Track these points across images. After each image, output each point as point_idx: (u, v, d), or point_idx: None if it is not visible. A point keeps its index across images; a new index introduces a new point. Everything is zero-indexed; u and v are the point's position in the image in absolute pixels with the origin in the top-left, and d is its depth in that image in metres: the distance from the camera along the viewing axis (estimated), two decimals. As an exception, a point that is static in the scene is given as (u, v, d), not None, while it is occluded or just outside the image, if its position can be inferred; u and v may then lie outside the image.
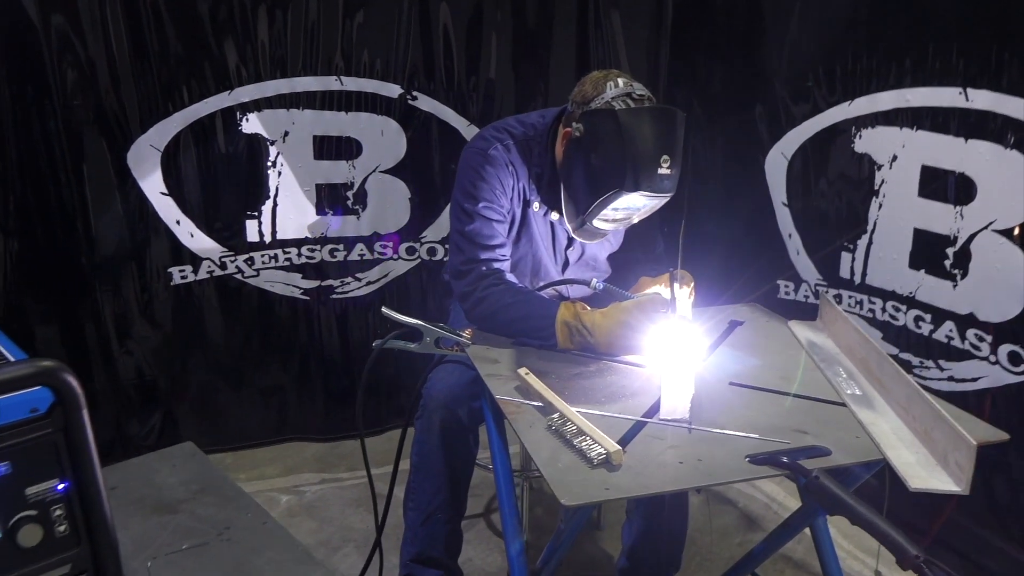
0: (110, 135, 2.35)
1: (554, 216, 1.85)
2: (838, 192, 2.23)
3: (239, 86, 2.44)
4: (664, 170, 1.61)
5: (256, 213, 2.57)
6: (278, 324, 2.70)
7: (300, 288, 2.70)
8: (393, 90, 2.59)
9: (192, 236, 2.52)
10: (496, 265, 1.74)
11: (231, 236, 2.57)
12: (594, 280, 1.67)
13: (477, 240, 1.74)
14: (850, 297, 2.23)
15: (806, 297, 2.38)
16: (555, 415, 1.28)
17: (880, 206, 2.10)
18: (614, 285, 1.85)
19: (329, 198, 2.63)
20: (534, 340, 1.63)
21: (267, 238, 2.61)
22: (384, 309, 1.61)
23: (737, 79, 2.53)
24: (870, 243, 2.14)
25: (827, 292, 2.19)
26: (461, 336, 1.62)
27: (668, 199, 1.70)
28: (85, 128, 2.32)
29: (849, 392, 1.39)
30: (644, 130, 1.60)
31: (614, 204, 1.65)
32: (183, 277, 2.55)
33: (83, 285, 2.44)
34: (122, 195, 2.41)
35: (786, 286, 2.44)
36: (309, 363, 2.76)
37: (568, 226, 1.78)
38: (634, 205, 1.68)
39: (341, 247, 2.69)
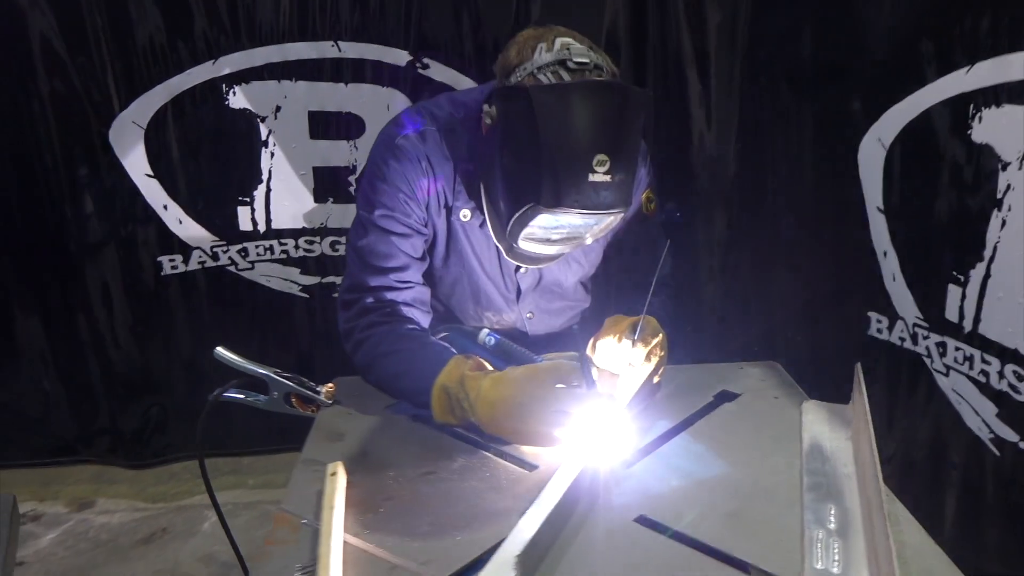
0: (91, 110, 2.14)
1: (495, 228, 1.37)
2: (948, 198, 1.56)
3: (223, 55, 2.14)
4: (600, 176, 1.09)
5: (248, 199, 2.28)
6: (276, 323, 2.42)
7: (299, 284, 2.39)
8: (400, 56, 2.18)
9: (181, 223, 2.28)
10: (388, 296, 1.30)
11: (222, 224, 2.30)
12: (483, 331, 1.17)
13: (368, 260, 1.31)
14: (957, 350, 1.56)
15: (902, 340, 1.73)
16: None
17: (1004, 223, 1.42)
18: (594, 321, 1.36)
19: (328, 183, 2.29)
20: (413, 407, 1.19)
21: (261, 227, 2.31)
22: (218, 349, 1.23)
23: (829, 40, 1.87)
24: (987, 275, 1.47)
25: (898, 335, 1.50)
26: (316, 393, 1.21)
27: (621, 214, 1.18)
28: (64, 101, 2.12)
29: (820, 567, 0.83)
30: (569, 117, 1.09)
31: (537, 223, 1.16)
32: (173, 267, 2.32)
33: (72, 271, 2.28)
34: (106, 176, 2.20)
35: (879, 320, 1.79)
36: (312, 367, 2.45)
37: (499, 246, 1.31)
38: (569, 224, 1.18)
39: (344, 240, 2.35)
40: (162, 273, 2.31)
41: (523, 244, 1.21)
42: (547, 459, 1.06)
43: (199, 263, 2.32)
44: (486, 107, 1.19)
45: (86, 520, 2.45)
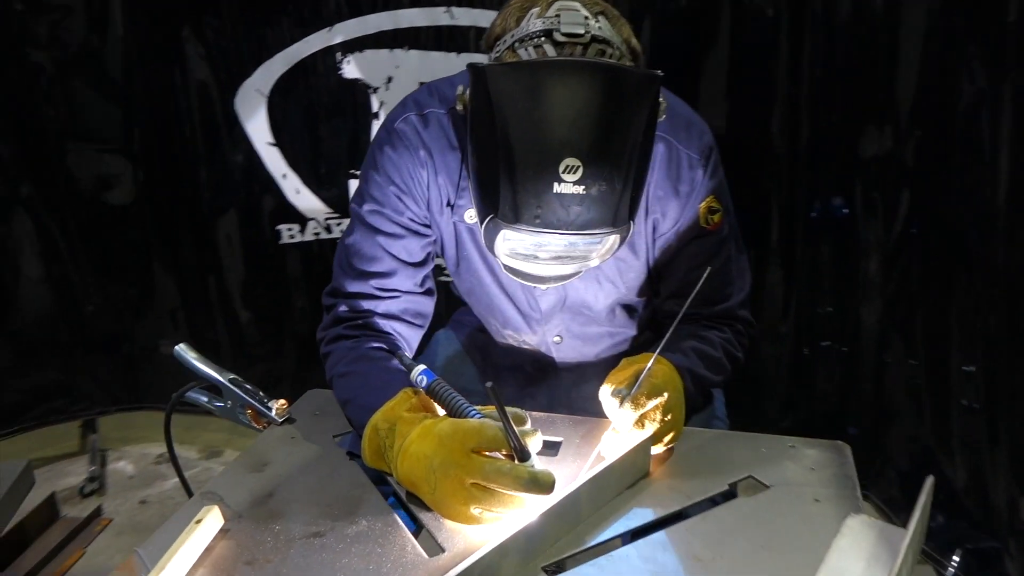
0: (219, 77, 2.18)
1: (510, 232, 1.14)
2: None
3: (339, 21, 2.07)
4: (568, 186, 0.84)
5: (359, 172, 2.21)
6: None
7: (407, 264, 2.29)
8: (515, 24, 1.97)
9: (298, 193, 2.27)
10: (365, 305, 1.12)
11: (336, 196, 2.26)
12: (417, 368, 0.95)
13: (351, 261, 1.14)
14: None
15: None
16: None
17: None
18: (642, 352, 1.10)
19: (438, 160, 2.14)
20: (357, 443, 1.02)
21: (371, 202, 2.24)
22: (177, 348, 1.14)
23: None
24: None
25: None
26: (268, 409, 1.08)
27: (614, 235, 0.90)
28: (197, 68, 2.17)
29: None
30: (530, 108, 0.84)
31: (505, 238, 0.92)
32: (291, 236, 2.32)
33: (204, 234, 2.36)
34: (234, 143, 2.24)
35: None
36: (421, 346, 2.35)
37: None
38: (550, 241, 0.92)
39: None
40: (280, 241, 2.32)
41: (506, 260, 0.98)
42: (462, 542, 0.84)
43: (314, 234, 2.30)
44: (459, 89, 0.96)
45: (210, 469, 2.58)
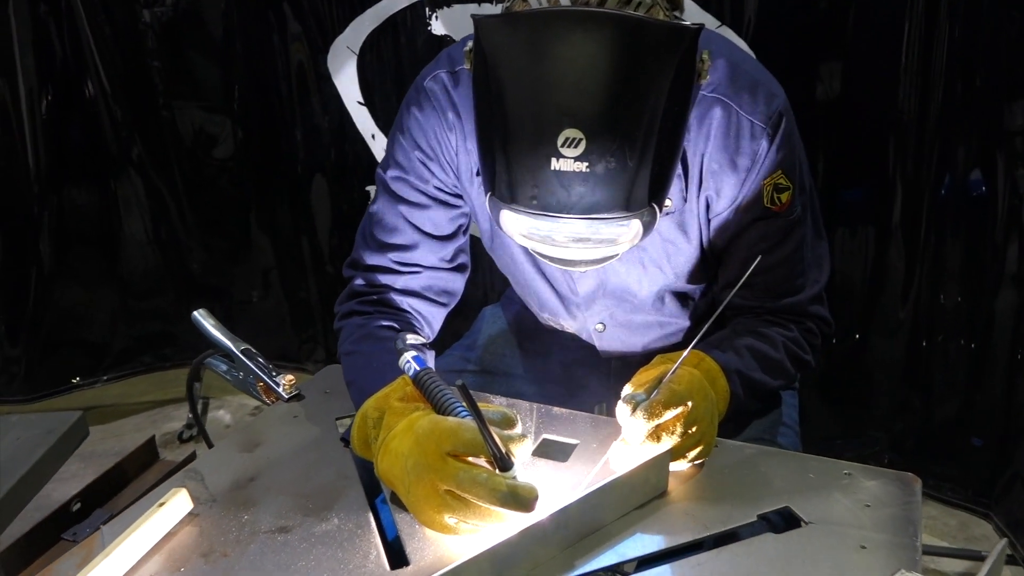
0: (313, 36, 2.16)
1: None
2: None
3: (426, -27, 1.99)
4: (568, 163, 0.72)
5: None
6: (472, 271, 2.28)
7: (494, 231, 2.20)
8: (611, -26, 1.81)
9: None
10: (382, 280, 1.04)
11: (423, 160, 2.20)
12: (407, 355, 0.85)
13: (372, 230, 1.07)
14: None
15: None
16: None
17: None
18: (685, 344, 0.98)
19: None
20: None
21: (458, 166, 2.16)
22: (197, 313, 1.11)
23: None
24: None
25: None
26: (276, 384, 1.03)
27: (631, 220, 0.77)
28: (293, 26, 2.16)
29: None
30: (524, 67, 0.72)
31: (509, 218, 0.81)
32: (379, 198, 2.29)
33: (297, 194, 2.38)
34: (325, 102, 2.22)
35: None
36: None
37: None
38: (562, 225, 0.79)
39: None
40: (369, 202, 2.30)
41: (521, 242, 0.86)
42: (432, 554, 0.75)
43: (401, 198, 2.26)
44: (468, 46, 0.84)
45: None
